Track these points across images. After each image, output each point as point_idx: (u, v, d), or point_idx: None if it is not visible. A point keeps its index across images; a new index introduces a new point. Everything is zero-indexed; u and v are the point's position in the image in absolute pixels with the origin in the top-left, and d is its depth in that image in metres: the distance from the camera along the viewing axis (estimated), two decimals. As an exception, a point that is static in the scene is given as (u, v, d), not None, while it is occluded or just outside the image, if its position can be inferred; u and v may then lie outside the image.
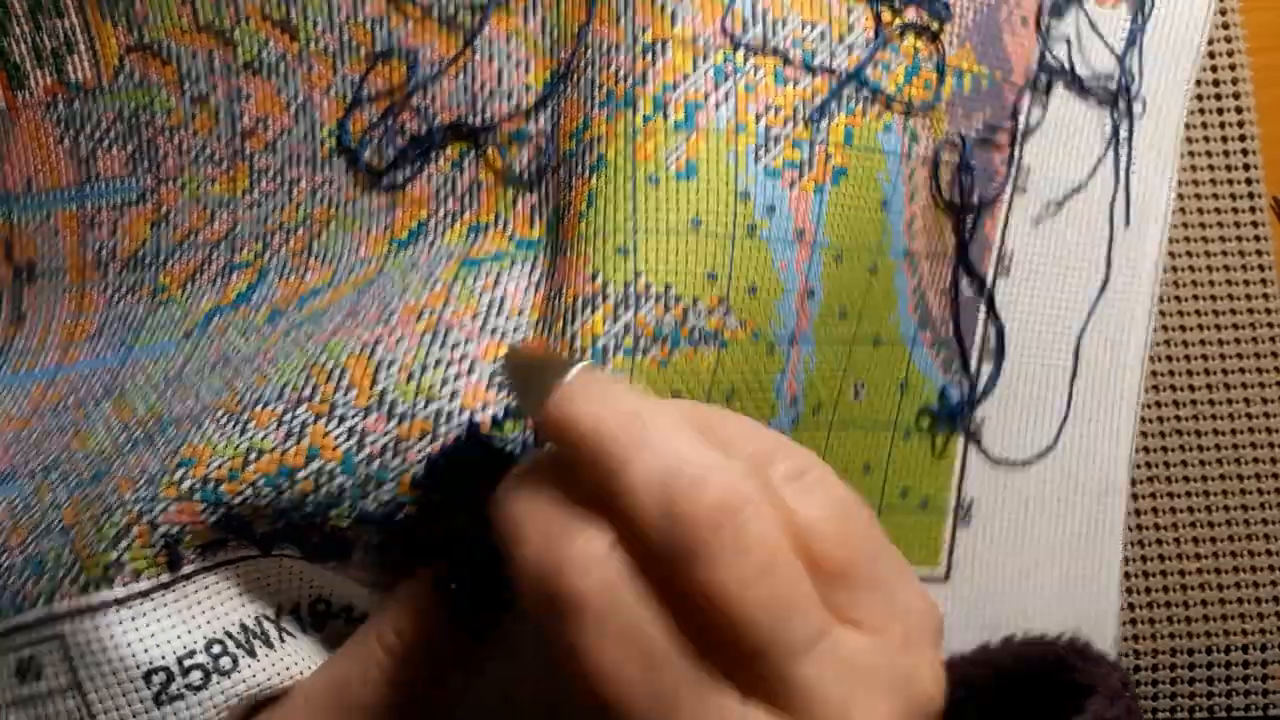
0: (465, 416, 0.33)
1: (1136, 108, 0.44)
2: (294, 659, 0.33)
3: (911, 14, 0.39)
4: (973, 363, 0.43)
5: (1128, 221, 0.44)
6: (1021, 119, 0.43)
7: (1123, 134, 0.44)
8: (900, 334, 0.41)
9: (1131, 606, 0.45)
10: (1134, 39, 0.43)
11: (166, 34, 0.41)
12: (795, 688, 0.25)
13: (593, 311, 0.34)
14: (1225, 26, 0.47)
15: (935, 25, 0.39)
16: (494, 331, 0.35)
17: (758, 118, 0.36)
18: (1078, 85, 0.43)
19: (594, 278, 0.35)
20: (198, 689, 0.31)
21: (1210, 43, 0.47)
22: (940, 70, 0.40)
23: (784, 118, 0.37)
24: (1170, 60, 0.44)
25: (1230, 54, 0.47)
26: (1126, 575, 0.45)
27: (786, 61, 0.37)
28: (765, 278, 0.36)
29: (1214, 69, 0.47)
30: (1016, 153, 0.43)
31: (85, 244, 0.42)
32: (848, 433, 0.41)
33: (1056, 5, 0.43)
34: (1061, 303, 0.44)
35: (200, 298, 0.41)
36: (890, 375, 0.41)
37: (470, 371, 0.34)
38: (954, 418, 0.42)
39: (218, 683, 0.31)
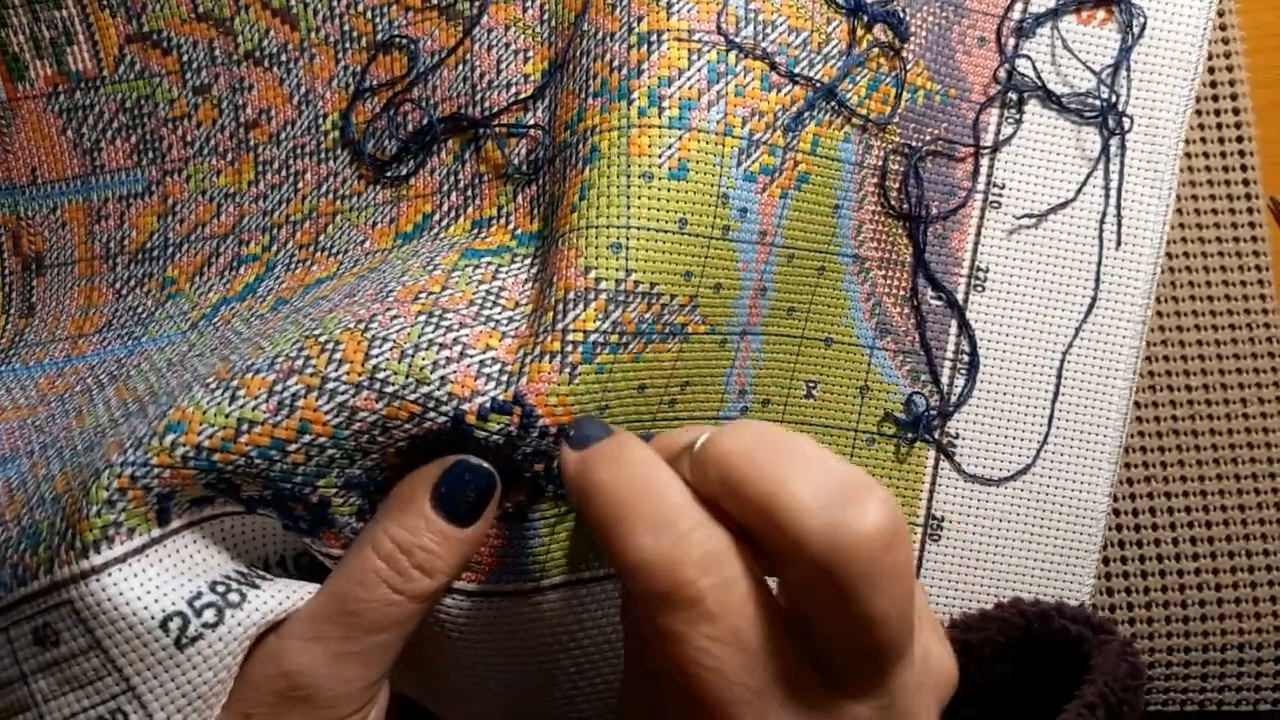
0: (453, 405, 0.33)
1: (1125, 124, 0.44)
2: (294, 586, 0.34)
3: (879, 31, 0.40)
4: (944, 376, 0.43)
5: (1119, 242, 0.44)
6: (989, 135, 0.43)
7: (1113, 152, 0.44)
8: (856, 338, 0.42)
9: (1130, 606, 0.45)
10: (1123, 57, 0.44)
11: (166, 23, 0.41)
12: (888, 686, 0.28)
13: (585, 307, 0.35)
14: (1223, 28, 0.47)
15: (898, 43, 0.41)
16: (488, 320, 0.36)
17: (744, 121, 0.37)
18: (1055, 103, 0.44)
19: (587, 272, 0.35)
20: (214, 625, 0.31)
21: (1209, 43, 0.47)
22: (899, 86, 0.41)
23: (765, 124, 0.37)
24: (1166, 79, 0.44)
25: (1228, 55, 0.47)
26: (1126, 575, 0.45)
27: (773, 67, 0.38)
28: (729, 276, 0.37)
29: (1211, 70, 0.47)
30: (985, 168, 0.43)
31: (93, 236, 0.42)
32: (802, 430, 0.41)
33: (1023, 25, 0.43)
34: (1044, 322, 0.44)
35: (209, 290, 0.41)
36: (848, 379, 0.42)
37: (461, 358, 0.34)
38: (919, 425, 0.43)
39: (232, 616, 0.32)
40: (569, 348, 0.34)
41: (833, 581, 0.26)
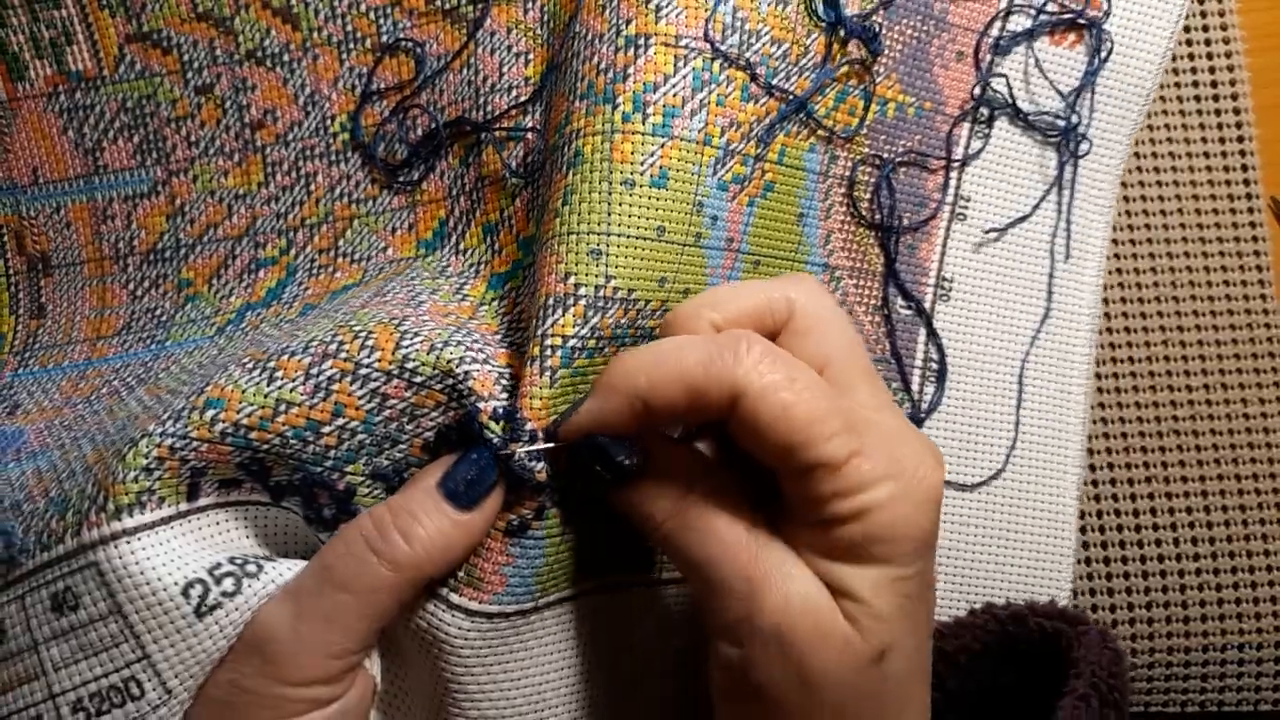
0: (473, 400, 0.34)
1: (1083, 147, 0.45)
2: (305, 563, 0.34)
3: (853, 46, 0.41)
4: (914, 383, 0.44)
5: (1067, 255, 0.45)
6: (959, 148, 0.44)
7: (1067, 172, 0.45)
8: None
9: (1130, 606, 0.45)
10: (1088, 80, 0.45)
11: (165, 23, 0.41)
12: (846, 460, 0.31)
13: (564, 312, 0.35)
14: (1224, 28, 0.47)
15: (869, 59, 0.41)
16: (511, 344, 0.37)
17: (722, 131, 0.37)
18: (1022, 120, 0.44)
19: (566, 278, 0.35)
20: (232, 595, 0.32)
21: (1208, 44, 0.47)
22: (867, 99, 0.41)
23: (741, 134, 0.38)
24: (1121, 105, 0.45)
25: (1228, 55, 0.47)
26: (1125, 575, 0.45)
27: (753, 79, 0.38)
28: (697, 281, 0.37)
29: (1212, 70, 0.47)
30: (953, 180, 0.44)
31: (100, 236, 0.42)
32: None
33: (1000, 43, 0.44)
34: (1005, 330, 0.45)
35: (230, 294, 0.42)
36: None
37: (485, 363, 0.35)
38: None
39: (249, 585, 0.32)
40: (548, 352, 0.34)
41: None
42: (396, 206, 0.41)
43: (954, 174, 0.44)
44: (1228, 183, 0.47)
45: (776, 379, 0.30)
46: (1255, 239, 0.47)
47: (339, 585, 0.32)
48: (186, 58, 0.41)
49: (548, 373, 0.34)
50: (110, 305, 0.42)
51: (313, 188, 0.41)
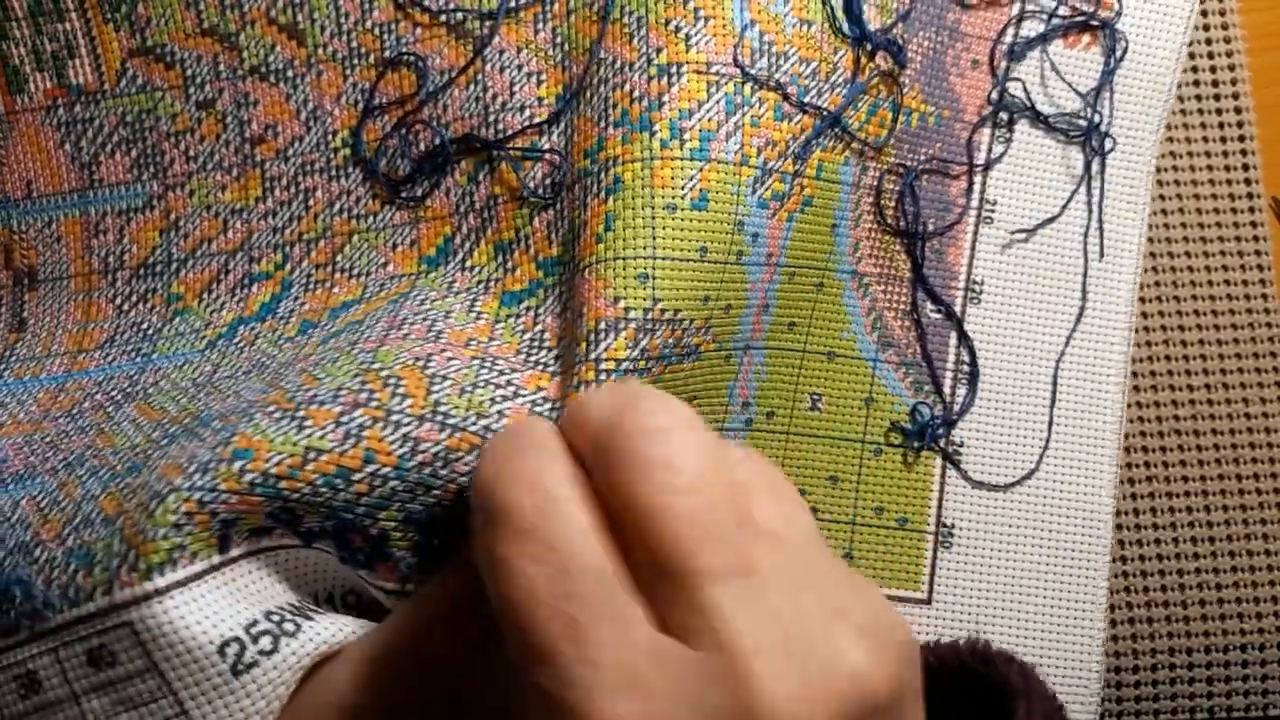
0: None
1: (1107, 145, 0.45)
2: (345, 620, 0.34)
3: (880, 59, 0.41)
4: (946, 386, 0.44)
5: (1101, 254, 0.45)
6: (981, 154, 0.44)
7: (1095, 170, 0.45)
8: (858, 352, 0.43)
9: (1130, 606, 0.45)
10: (1106, 79, 0.45)
11: (170, 38, 0.41)
12: (704, 612, 0.25)
13: (616, 336, 0.35)
14: (1225, 27, 0.47)
15: (896, 70, 0.42)
16: (537, 364, 0.37)
17: (759, 151, 0.38)
18: (1043, 123, 0.45)
19: (616, 302, 0.36)
20: (270, 653, 0.31)
21: (1209, 43, 0.47)
22: (895, 110, 0.42)
23: (778, 152, 0.38)
24: (1143, 101, 0.46)
25: (1229, 54, 0.47)
26: (1125, 575, 0.45)
27: (785, 98, 0.39)
28: (739, 297, 0.38)
29: (1213, 69, 0.47)
30: (977, 186, 0.45)
31: (90, 250, 0.42)
32: (808, 442, 0.43)
33: (1015, 49, 0.45)
34: (1037, 331, 0.45)
35: (221, 308, 0.41)
36: (852, 391, 0.43)
37: (515, 397, 0.35)
38: (925, 434, 0.44)
39: (287, 644, 0.32)
40: (602, 376, 0.35)
41: (606, 468, 0.26)
42: (398, 222, 0.41)
43: (977, 178, 0.45)
44: (1229, 182, 0.47)
45: None
46: (1256, 239, 0.47)
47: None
48: (189, 72, 0.41)
49: None
50: (94, 319, 0.42)
51: (311, 203, 0.41)
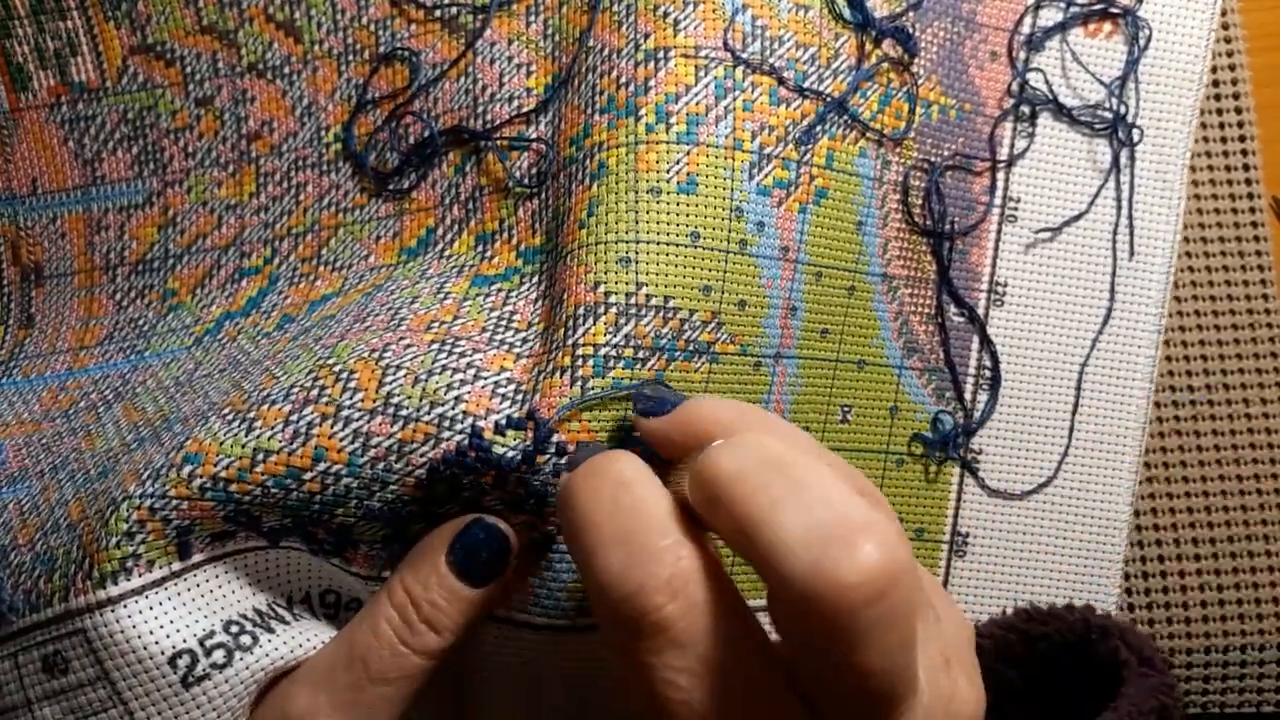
0: (469, 423, 0.33)
1: (1134, 136, 0.44)
2: (312, 632, 0.34)
3: (887, 46, 0.40)
4: (967, 392, 0.43)
5: (1131, 252, 0.44)
6: (1003, 149, 0.43)
7: (1123, 163, 0.44)
8: (886, 359, 0.42)
9: (1131, 607, 0.45)
10: (1130, 69, 0.44)
11: (170, 36, 0.41)
12: None
13: (594, 320, 0.35)
14: (1225, 27, 0.47)
15: (906, 58, 0.41)
16: (502, 344, 0.36)
17: (753, 135, 0.37)
18: (1066, 116, 0.44)
19: (596, 286, 0.35)
20: (222, 667, 0.31)
21: (1210, 43, 0.47)
22: (911, 101, 0.41)
23: (776, 137, 0.37)
24: (1172, 90, 0.44)
25: (1230, 54, 0.47)
26: (1126, 576, 0.45)
27: (781, 82, 0.38)
28: (753, 293, 0.37)
29: (1214, 69, 0.47)
30: (1000, 182, 0.43)
31: (92, 246, 0.42)
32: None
33: (1034, 39, 0.43)
34: (1062, 334, 0.44)
35: (211, 303, 0.41)
36: (879, 400, 0.42)
37: (476, 379, 0.34)
38: (947, 445, 0.43)
39: (241, 659, 0.32)
40: (579, 361, 0.34)
41: (815, 629, 0.24)
42: (384, 215, 0.41)
43: (1000, 175, 0.43)
44: (1229, 182, 0.47)
45: None
46: (1256, 238, 0.47)
47: (377, 679, 0.32)
48: (189, 70, 0.41)
49: (579, 382, 0.34)
50: (96, 315, 0.42)
51: (302, 197, 0.41)
